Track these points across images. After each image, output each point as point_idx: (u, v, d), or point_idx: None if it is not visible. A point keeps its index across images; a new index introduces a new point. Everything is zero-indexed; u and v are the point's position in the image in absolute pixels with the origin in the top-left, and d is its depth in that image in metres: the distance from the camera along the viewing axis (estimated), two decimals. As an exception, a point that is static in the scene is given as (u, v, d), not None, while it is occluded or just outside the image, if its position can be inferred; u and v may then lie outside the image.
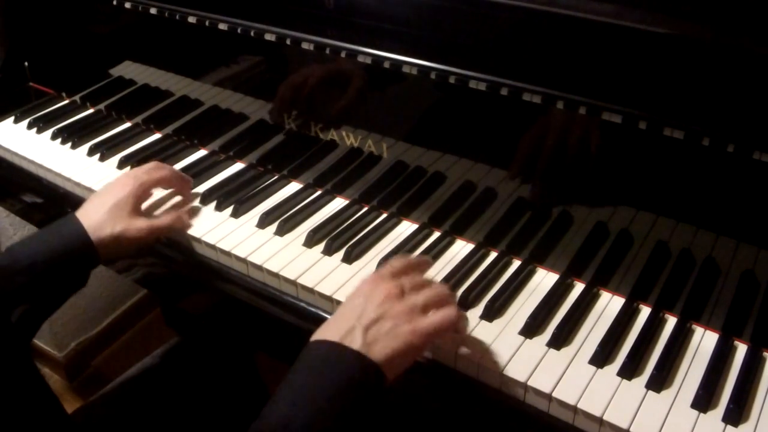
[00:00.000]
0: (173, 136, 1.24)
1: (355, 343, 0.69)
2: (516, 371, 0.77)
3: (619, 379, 0.77)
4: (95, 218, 0.92)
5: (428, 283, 0.78)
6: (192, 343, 1.17)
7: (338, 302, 0.87)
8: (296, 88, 1.04)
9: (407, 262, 0.81)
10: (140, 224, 0.94)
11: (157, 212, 1.04)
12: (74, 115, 1.32)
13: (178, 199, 1.07)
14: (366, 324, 0.71)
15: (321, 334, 0.72)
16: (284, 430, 0.65)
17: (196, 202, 1.07)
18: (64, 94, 1.37)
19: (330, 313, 0.88)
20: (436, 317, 0.74)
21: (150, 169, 1.01)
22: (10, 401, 0.68)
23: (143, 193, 0.98)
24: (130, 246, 0.96)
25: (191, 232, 1.00)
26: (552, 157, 0.86)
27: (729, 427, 0.72)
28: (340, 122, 1.02)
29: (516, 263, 0.94)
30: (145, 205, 1.00)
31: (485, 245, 0.96)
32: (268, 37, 1.00)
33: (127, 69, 1.25)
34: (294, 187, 1.10)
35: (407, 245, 0.97)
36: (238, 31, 1.03)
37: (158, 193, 1.06)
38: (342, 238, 0.97)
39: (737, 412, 0.73)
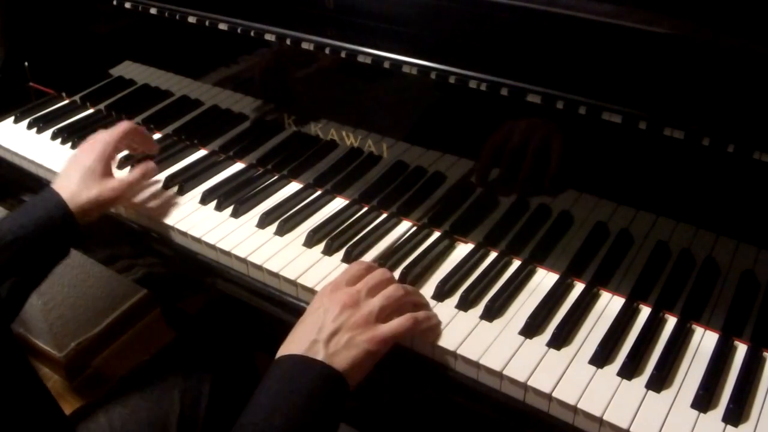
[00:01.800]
0: (173, 136, 1.24)
1: (319, 354, 0.74)
2: (516, 371, 0.77)
3: (619, 379, 0.77)
4: (71, 188, 0.96)
5: (384, 284, 0.82)
6: (192, 343, 1.17)
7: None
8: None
9: (364, 266, 0.85)
10: (113, 183, 0.99)
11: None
12: (74, 115, 1.32)
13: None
14: (326, 337, 0.75)
15: (286, 348, 0.76)
16: None
17: (197, 202, 1.07)
18: (64, 94, 1.37)
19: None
20: (392, 325, 0.78)
21: (111, 129, 1.05)
22: (7, 401, 0.68)
23: (111, 152, 1.02)
24: (108, 206, 1.00)
25: (191, 232, 1.00)
26: (551, 157, 0.86)
27: (729, 427, 0.72)
28: (334, 120, 1.02)
29: (516, 263, 0.94)
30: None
31: (485, 245, 0.96)
32: (268, 37, 1.00)
33: (127, 69, 1.25)
34: (294, 187, 1.10)
35: (407, 245, 0.97)
36: (238, 31, 1.03)
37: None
38: (342, 238, 0.97)
39: (737, 412, 0.73)
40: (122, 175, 1.02)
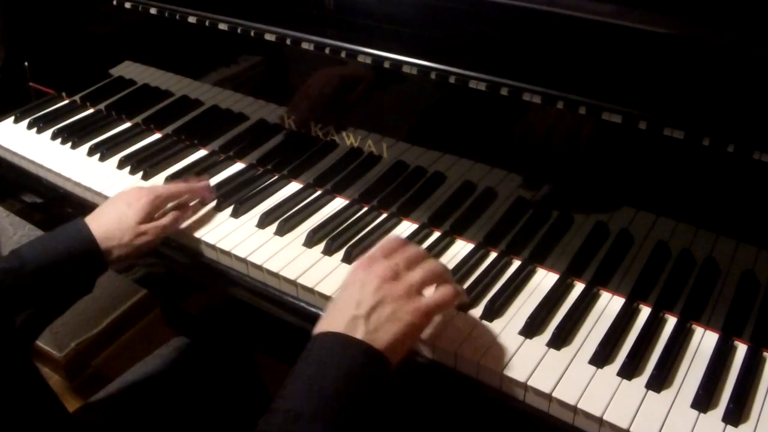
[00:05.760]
0: (173, 136, 1.24)
1: (359, 332, 0.70)
2: (516, 371, 0.77)
3: (619, 379, 0.77)
4: (105, 226, 0.92)
5: (421, 259, 0.78)
6: (192, 343, 1.17)
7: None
8: (315, 94, 1.03)
9: (399, 240, 0.81)
10: (146, 229, 0.95)
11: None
12: (74, 115, 1.32)
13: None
14: (366, 312, 0.71)
15: (323, 325, 0.72)
16: (295, 421, 0.65)
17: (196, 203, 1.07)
18: (64, 94, 1.37)
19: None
20: (435, 295, 0.75)
21: (168, 184, 1.03)
22: (11, 404, 0.68)
23: (159, 204, 0.98)
24: (139, 252, 0.96)
25: (191, 232, 1.00)
26: (552, 157, 0.86)
27: (729, 427, 0.72)
28: (342, 122, 1.02)
29: (516, 263, 0.94)
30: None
31: (485, 245, 0.96)
32: (268, 37, 1.00)
33: (127, 69, 1.25)
34: (294, 187, 1.10)
35: (407, 245, 0.97)
36: (238, 31, 1.03)
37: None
38: (342, 238, 0.97)
39: (737, 412, 0.73)
40: (155, 221, 0.98)
